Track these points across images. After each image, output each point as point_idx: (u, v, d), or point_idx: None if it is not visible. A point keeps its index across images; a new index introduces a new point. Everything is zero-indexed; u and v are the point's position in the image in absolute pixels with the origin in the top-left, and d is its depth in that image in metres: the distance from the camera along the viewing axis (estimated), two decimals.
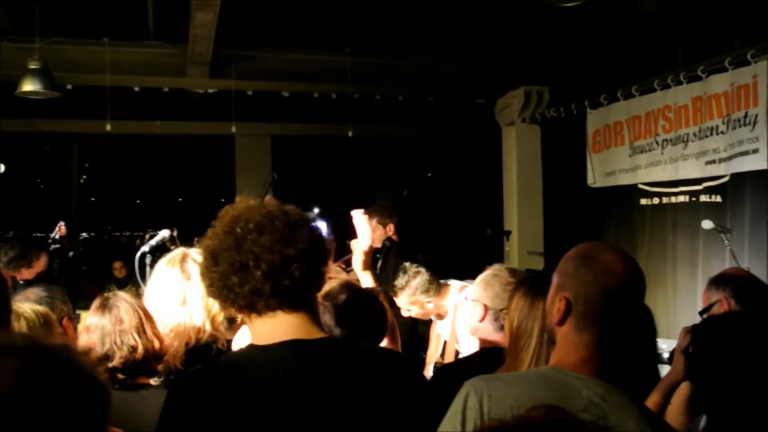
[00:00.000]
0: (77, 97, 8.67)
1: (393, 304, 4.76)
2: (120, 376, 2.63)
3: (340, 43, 8.83)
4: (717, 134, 6.54)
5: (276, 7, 7.64)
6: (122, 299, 2.75)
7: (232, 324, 3.01)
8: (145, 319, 2.72)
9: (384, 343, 2.90)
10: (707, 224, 5.83)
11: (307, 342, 1.83)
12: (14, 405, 1.17)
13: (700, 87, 6.70)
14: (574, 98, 8.52)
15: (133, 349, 2.64)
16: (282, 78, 9.28)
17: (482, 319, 3.06)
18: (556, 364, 1.98)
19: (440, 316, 5.11)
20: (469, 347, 3.89)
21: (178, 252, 3.07)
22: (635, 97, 7.55)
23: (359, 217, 3.16)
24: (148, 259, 4.22)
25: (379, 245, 6.54)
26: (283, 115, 10.09)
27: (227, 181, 10.94)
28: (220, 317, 2.93)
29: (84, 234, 13.31)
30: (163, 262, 3.05)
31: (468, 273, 5.79)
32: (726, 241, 5.79)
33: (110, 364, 2.61)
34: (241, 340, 2.70)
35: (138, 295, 2.94)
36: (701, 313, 3.51)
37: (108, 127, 8.68)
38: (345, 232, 3.86)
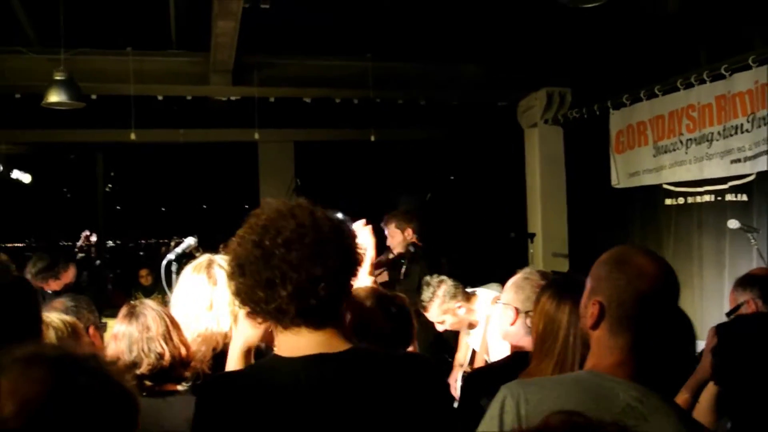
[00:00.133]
0: (102, 106, 8.75)
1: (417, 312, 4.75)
2: (147, 383, 2.65)
3: (361, 48, 8.84)
4: (742, 133, 6.49)
5: (297, 14, 7.66)
6: (149, 307, 2.77)
7: None
8: (171, 327, 2.74)
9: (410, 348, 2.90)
10: (733, 224, 5.79)
11: (330, 356, 1.81)
12: (44, 414, 1.19)
13: (724, 85, 6.65)
14: (596, 99, 8.49)
15: (160, 356, 2.66)
16: (304, 84, 9.31)
17: (513, 323, 3.06)
18: (591, 367, 1.98)
19: (471, 326, 5.08)
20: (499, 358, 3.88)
21: (203, 258, 3.08)
22: (658, 97, 7.51)
23: (361, 230, 3.16)
24: (174, 267, 4.26)
25: (401, 250, 6.53)
26: (305, 121, 10.13)
27: (251, 188, 10.98)
28: None
29: (110, 242, 13.40)
30: (189, 269, 3.07)
31: (492, 276, 5.79)
32: (753, 241, 5.75)
33: (138, 372, 2.63)
34: None
35: (164, 303, 2.96)
36: (728, 315, 3.48)
37: (132, 136, 8.75)
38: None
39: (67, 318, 2.84)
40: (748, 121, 6.41)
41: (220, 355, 2.88)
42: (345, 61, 9.14)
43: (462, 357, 5.47)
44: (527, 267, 3.33)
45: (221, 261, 2.91)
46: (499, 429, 1.86)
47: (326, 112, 9.84)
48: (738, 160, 6.56)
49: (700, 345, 2.98)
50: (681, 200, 7.41)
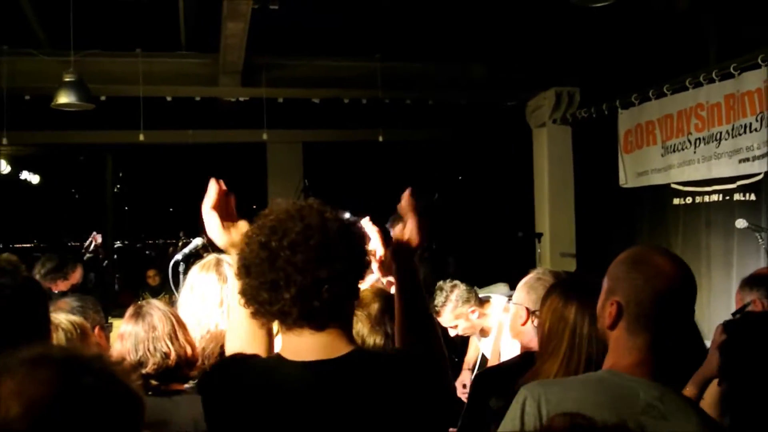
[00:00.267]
0: (111, 108, 8.78)
1: None
2: (153, 382, 2.66)
3: (370, 48, 8.85)
4: (750, 132, 6.47)
5: (306, 15, 7.68)
6: (155, 307, 2.79)
7: None
8: (177, 326, 2.76)
9: None
10: (741, 223, 5.77)
11: (330, 362, 1.82)
12: (50, 415, 1.20)
13: (733, 84, 6.63)
14: (605, 98, 8.47)
15: (166, 355, 2.68)
16: (312, 85, 9.32)
17: (524, 323, 3.07)
18: (610, 367, 1.98)
19: (484, 332, 5.05)
20: None
21: (211, 257, 3.10)
22: (667, 96, 7.49)
23: (366, 224, 3.15)
24: (181, 267, 4.27)
25: None
26: (314, 121, 10.15)
27: (259, 189, 11.00)
28: None
29: (118, 243, 13.45)
30: (196, 269, 3.09)
31: (500, 276, 5.79)
32: (761, 240, 5.73)
33: (144, 371, 2.65)
34: None
35: (171, 303, 2.97)
36: (734, 315, 3.48)
37: (141, 137, 8.78)
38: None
39: (76, 319, 2.86)
40: (756, 120, 6.39)
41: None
42: (353, 62, 9.16)
43: (471, 359, 5.44)
44: (540, 267, 3.33)
45: (229, 260, 2.93)
46: (520, 430, 1.87)
47: (334, 113, 9.85)
48: (746, 160, 6.54)
49: (707, 344, 2.99)
50: (689, 200, 7.39)
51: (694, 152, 7.22)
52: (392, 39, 8.52)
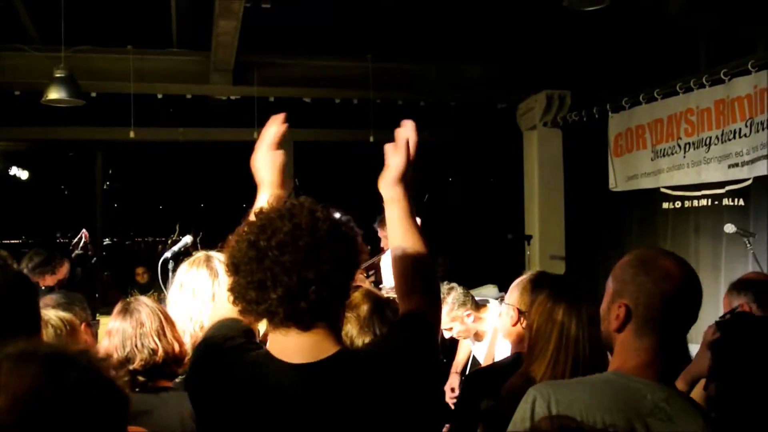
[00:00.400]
0: (101, 104, 8.76)
1: None
2: (141, 378, 2.66)
3: (361, 49, 8.85)
4: (740, 137, 6.50)
5: (298, 14, 7.68)
6: (143, 303, 2.79)
7: None
8: (165, 323, 2.76)
9: None
10: (730, 228, 5.80)
11: (315, 365, 1.81)
12: (34, 408, 1.20)
13: (723, 90, 6.66)
14: (595, 102, 8.50)
15: (154, 351, 2.68)
16: (304, 84, 9.31)
17: (515, 324, 3.08)
18: (617, 369, 2.00)
19: (478, 337, 5.04)
20: None
21: (200, 254, 3.10)
22: (657, 101, 7.52)
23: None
24: (170, 265, 4.27)
25: None
26: (305, 121, 10.12)
27: (249, 187, 10.96)
28: None
29: (107, 240, 13.41)
30: (185, 266, 3.08)
31: (489, 278, 5.80)
32: (749, 245, 5.76)
33: (131, 367, 2.65)
34: None
35: (160, 300, 2.97)
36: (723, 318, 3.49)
37: (131, 134, 8.76)
38: (366, 237, 3.86)
39: (65, 315, 2.85)
40: (746, 126, 6.42)
41: None
42: (345, 62, 9.15)
43: (460, 362, 5.42)
44: (534, 269, 3.35)
45: (219, 256, 2.93)
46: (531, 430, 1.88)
47: (326, 113, 9.85)
48: (736, 165, 6.57)
49: (693, 348, 3.00)
50: (678, 204, 7.42)
51: (684, 157, 7.24)
52: (384, 40, 8.52)
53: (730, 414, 2.33)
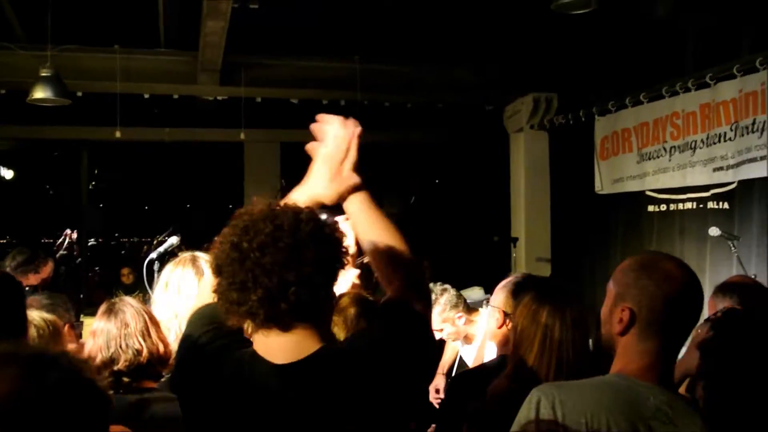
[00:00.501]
0: (87, 104, 8.72)
1: None
2: (125, 379, 2.65)
3: (349, 50, 8.85)
4: (725, 141, 6.54)
5: (286, 15, 7.67)
6: (128, 304, 2.78)
7: None
8: (150, 323, 2.75)
9: None
10: (714, 231, 5.83)
11: (295, 365, 1.81)
12: (13, 411, 1.20)
13: (709, 94, 6.70)
14: (582, 105, 8.53)
15: (138, 352, 2.67)
16: (291, 85, 9.31)
17: (500, 326, 3.08)
18: (618, 371, 2.01)
19: (467, 339, 5.04)
20: None
21: (186, 254, 3.09)
22: (643, 104, 7.55)
23: (343, 223, 3.11)
24: (156, 266, 4.26)
25: None
26: (292, 121, 10.11)
27: (236, 188, 10.96)
28: None
29: (92, 240, 13.35)
30: (170, 266, 3.08)
31: (475, 280, 5.80)
32: (733, 248, 5.79)
33: (115, 368, 2.64)
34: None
35: (144, 301, 2.96)
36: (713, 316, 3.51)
37: (118, 134, 8.73)
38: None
39: (48, 316, 2.84)
40: (731, 130, 6.46)
41: None
42: (333, 63, 9.15)
43: (446, 364, 5.42)
44: (519, 271, 3.35)
45: (205, 256, 2.93)
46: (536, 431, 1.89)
47: (313, 113, 9.76)
48: (720, 168, 6.60)
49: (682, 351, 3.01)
50: (663, 207, 7.45)
51: (669, 160, 7.28)
52: (372, 41, 8.53)
53: (722, 413, 2.34)
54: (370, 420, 1.82)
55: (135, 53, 8.65)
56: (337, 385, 1.80)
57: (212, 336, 1.95)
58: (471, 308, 5.00)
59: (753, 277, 5.45)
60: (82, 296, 10.15)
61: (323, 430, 1.79)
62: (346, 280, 3.18)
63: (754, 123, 6.16)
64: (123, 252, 16.29)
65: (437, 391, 5.10)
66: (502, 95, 9.78)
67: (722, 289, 3.69)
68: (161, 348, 2.74)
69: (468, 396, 2.87)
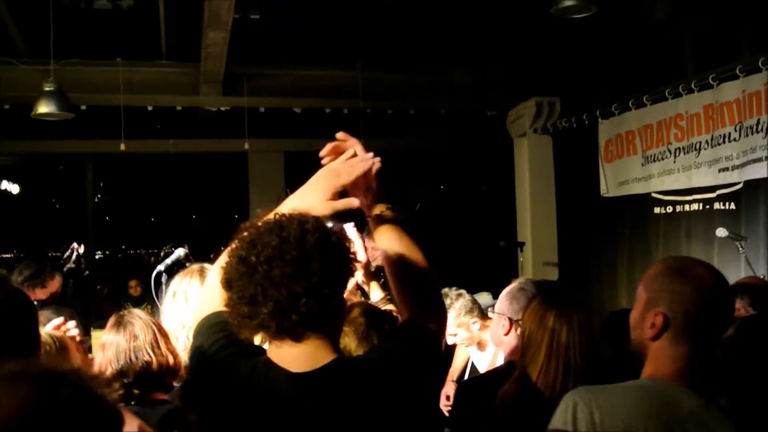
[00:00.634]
0: (91, 117, 8.74)
1: None
2: (136, 391, 2.65)
3: (351, 58, 8.86)
4: (729, 141, 6.53)
5: (287, 24, 7.68)
6: (136, 316, 2.78)
7: None
8: (159, 335, 2.75)
9: None
10: (721, 232, 5.82)
11: (309, 375, 1.82)
12: (24, 429, 1.19)
13: (712, 95, 6.69)
14: (585, 108, 8.52)
15: (148, 364, 2.67)
16: (294, 94, 9.32)
17: (507, 333, 3.08)
18: (650, 375, 2.01)
19: (481, 346, 5.03)
20: None
21: (195, 266, 3.10)
22: (647, 107, 7.55)
23: (349, 230, 3.14)
24: (164, 278, 4.26)
25: (381, 263, 6.47)
26: (295, 130, 10.13)
27: (241, 198, 10.98)
28: None
29: (99, 253, 13.36)
30: (178, 278, 3.08)
31: (482, 285, 5.78)
32: (741, 249, 5.77)
33: (126, 380, 2.64)
34: None
35: (153, 313, 2.96)
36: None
37: (122, 147, 8.74)
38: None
39: (55, 333, 2.83)
40: (735, 130, 6.45)
41: None
42: (335, 71, 9.16)
43: (456, 370, 5.41)
44: (522, 277, 3.34)
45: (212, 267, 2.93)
46: None
47: (316, 122, 9.84)
48: (726, 169, 6.59)
49: None
50: (669, 209, 7.43)
51: (674, 162, 7.27)
52: (373, 48, 8.54)
53: (747, 418, 2.33)
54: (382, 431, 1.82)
55: (137, 66, 8.68)
56: (352, 396, 1.81)
57: (223, 344, 1.95)
58: (485, 314, 4.99)
59: (762, 277, 5.44)
60: (91, 309, 10.15)
61: None
62: (374, 295, 3.19)
63: (758, 123, 6.16)
64: (130, 264, 16.32)
65: (447, 398, 5.09)
66: (504, 100, 9.78)
67: (734, 291, 3.68)
68: (171, 359, 2.74)
69: (476, 402, 2.87)
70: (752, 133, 6.22)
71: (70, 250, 9.32)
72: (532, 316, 2.64)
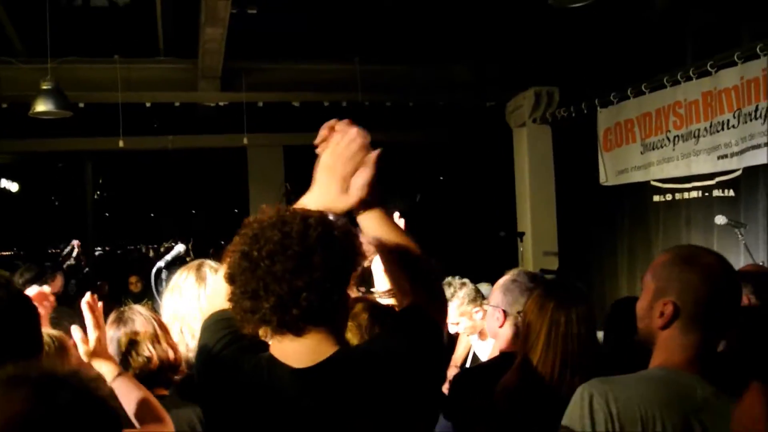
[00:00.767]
0: (90, 114, 8.75)
1: None
2: None
3: (349, 51, 8.85)
4: (728, 128, 6.52)
5: (284, 19, 7.68)
6: (137, 312, 2.79)
7: None
8: (159, 330, 2.75)
9: None
10: (721, 219, 5.81)
11: (311, 369, 1.82)
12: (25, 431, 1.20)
13: (710, 82, 6.68)
14: (584, 97, 8.51)
15: (148, 360, 2.67)
16: (292, 88, 9.32)
17: (501, 325, 3.08)
18: (660, 364, 2.01)
19: (483, 335, 5.04)
20: None
21: (194, 262, 3.10)
22: (645, 95, 7.54)
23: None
24: (164, 274, 4.26)
25: None
26: (294, 125, 10.13)
27: (240, 193, 10.99)
28: None
29: (98, 249, 13.38)
30: (178, 274, 3.09)
31: (483, 275, 5.78)
32: (740, 236, 5.77)
33: None
34: None
35: (153, 309, 2.96)
36: None
37: (121, 144, 8.75)
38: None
39: (54, 332, 2.83)
40: (734, 117, 6.44)
41: None
42: (333, 65, 9.16)
43: (459, 357, 5.42)
44: (515, 269, 3.33)
45: (212, 263, 2.94)
46: (591, 427, 1.89)
47: (315, 116, 9.77)
48: (725, 156, 6.58)
49: None
50: (669, 197, 7.44)
51: (673, 149, 7.27)
52: (371, 42, 8.53)
53: None
54: (385, 423, 1.83)
55: (135, 62, 8.67)
56: (354, 388, 1.81)
57: (228, 341, 1.96)
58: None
59: (761, 264, 5.44)
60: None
61: None
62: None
63: (756, 109, 6.15)
64: (130, 260, 16.33)
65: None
66: (503, 91, 9.78)
67: None
68: (171, 354, 2.74)
69: (470, 394, 2.87)
70: (751, 120, 6.21)
71: (69, 247, 9.31)
72: (533, 306, 2.64)
